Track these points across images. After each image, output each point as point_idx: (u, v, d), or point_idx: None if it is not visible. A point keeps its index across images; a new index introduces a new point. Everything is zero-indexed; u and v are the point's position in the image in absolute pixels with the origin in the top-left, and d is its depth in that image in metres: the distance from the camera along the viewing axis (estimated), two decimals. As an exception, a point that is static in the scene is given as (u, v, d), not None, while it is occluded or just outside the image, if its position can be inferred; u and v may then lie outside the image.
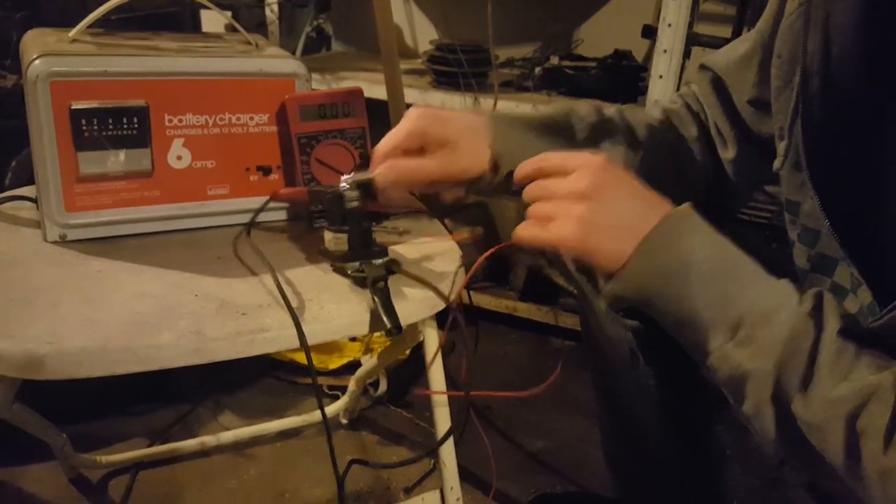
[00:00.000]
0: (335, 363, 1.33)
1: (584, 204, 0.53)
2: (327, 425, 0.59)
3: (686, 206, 0.54)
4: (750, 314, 0.48)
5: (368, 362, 1.16)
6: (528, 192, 0.58)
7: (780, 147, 0.61)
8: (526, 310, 1.51)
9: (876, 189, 0.50)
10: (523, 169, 0.60)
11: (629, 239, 0.53)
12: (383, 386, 1.30)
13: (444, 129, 0.65)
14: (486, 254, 0.63)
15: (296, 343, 0.55)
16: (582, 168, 0.55)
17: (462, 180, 0.67)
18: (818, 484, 0.56)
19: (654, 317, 0.55)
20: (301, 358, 1.31)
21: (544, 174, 0.57)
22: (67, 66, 0.64)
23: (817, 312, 0.47)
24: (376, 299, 0.58)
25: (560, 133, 0.72)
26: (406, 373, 1.34)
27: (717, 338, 0.50)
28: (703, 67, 0.73)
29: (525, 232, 0.56)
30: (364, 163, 0.72)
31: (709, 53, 0.74)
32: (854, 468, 0.45)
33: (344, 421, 1.23)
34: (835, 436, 0.45)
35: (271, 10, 1.72)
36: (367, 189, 0.64)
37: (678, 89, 1.30)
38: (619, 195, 0.54)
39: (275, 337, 0.56)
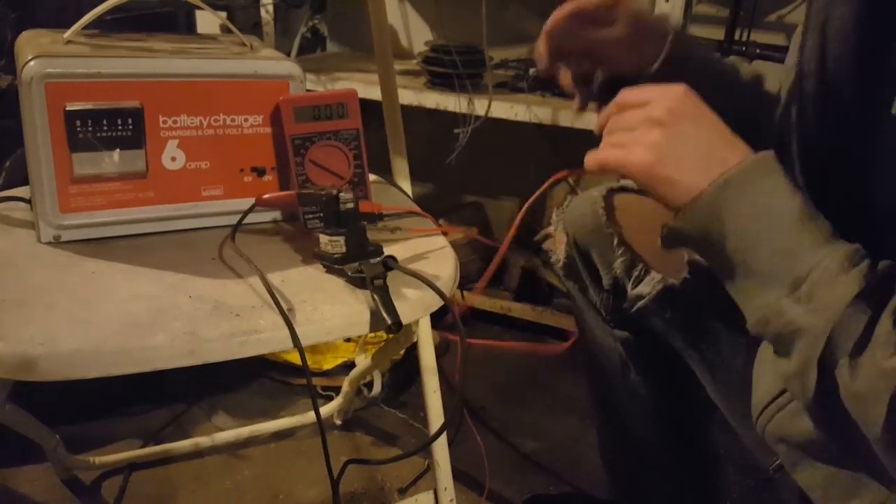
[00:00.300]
0: (329, 364, 1.33)
1: (659, 130, 0.51)
2: (322, 427, 0.59)
3: (769, 152, 0.51)
4: (816, 271, 0.46)
5: (362, 363, 1.16)
6: (606, 129, 0.56)
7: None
8: (520, 310, 1.51)
9: (867, 188, 0.50)
10: (602, 117, 0.57)
11: (705, 172, 0.50)
12: (377, 387, 1.30)
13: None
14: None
15: (289, 344, 0.56)
16: (660, 96, 0.53)
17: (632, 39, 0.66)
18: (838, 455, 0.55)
19: (706, 259, 0.53)
20: (295, 358, 1.31)
21: (622, 109, 0.55)
22: (62, 68, 0.64)
23: (886, 282, 0.45)
24: (376, 297, 0.59)
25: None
26: (400, 373, 1.35)
27: (773, 290, 0.48)
28: None
29: (594, 156, 0.54)
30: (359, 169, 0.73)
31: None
32: (892, 442, 0.43)
33: (338, 421, 1.23)
34: (878, 407, 0.43)
35: (266, 10, 1.72)
36: None
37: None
38: (697, 126, 0.52)
39: (268, 338, 0.56)
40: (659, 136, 0.51)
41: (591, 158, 0.55)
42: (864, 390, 0.44)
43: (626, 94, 0.56)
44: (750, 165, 0.50)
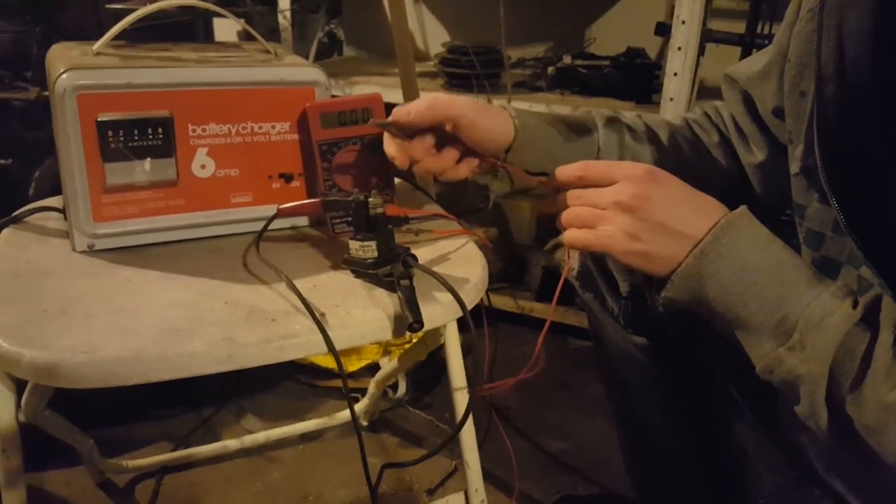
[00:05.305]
0: (354, 366, 1.34)
1: (627, 215, 0.54)
2: (359, 431, 0.59)
3: (741, 209, 0.54)
4: (802, 319, 0.49)
5: (388, 365, 1.17)
6: (568, 198, 0.58)
7: (797, 151, 0.61)
8: (542, 310, 1.51)
9: (892, 191, 0.50)
10: (563, 174, 0.60)
11: (680, 245, 0.53)
12: (403, 388, 1.31)
13: (456, 107, 0.65)
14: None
15: (325, 348, 0.56)
16: (626, 179, 0.55)
17: (482, 145, 0.67)
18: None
19: (707, 318, 0.55)
20: (322, 361, 1.32)
21: (586, 183, 0.58)
22: (94, 80, 0.65)
23: (872, 316, 0.47)
24: (400, 296, 0.59)
25: (580, 128, 0.72)
26: (425, 374, 1.35)
27: (769, 342, 0.50)
28: (729, 79, 0.74)
29: (573, 236, 0.57)
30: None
31: (733, 64, 0.74)
32: None
33: (364, 423, 1.24)
34: (891, 436, 0.45)
35: (284, 16, 1.73)
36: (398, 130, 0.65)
37: (693, 87, 1.30)
38: (665, 204, 0.54)
39: (304, 342, 0.56)
40: (628, 219, 0.54)
41: (570, 238, 0.58)
42: (873, 423, 0.46)
43: (590, 167, 0.58)
44: (722, 229, 0.53)
